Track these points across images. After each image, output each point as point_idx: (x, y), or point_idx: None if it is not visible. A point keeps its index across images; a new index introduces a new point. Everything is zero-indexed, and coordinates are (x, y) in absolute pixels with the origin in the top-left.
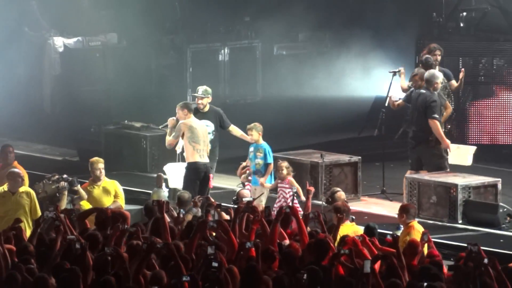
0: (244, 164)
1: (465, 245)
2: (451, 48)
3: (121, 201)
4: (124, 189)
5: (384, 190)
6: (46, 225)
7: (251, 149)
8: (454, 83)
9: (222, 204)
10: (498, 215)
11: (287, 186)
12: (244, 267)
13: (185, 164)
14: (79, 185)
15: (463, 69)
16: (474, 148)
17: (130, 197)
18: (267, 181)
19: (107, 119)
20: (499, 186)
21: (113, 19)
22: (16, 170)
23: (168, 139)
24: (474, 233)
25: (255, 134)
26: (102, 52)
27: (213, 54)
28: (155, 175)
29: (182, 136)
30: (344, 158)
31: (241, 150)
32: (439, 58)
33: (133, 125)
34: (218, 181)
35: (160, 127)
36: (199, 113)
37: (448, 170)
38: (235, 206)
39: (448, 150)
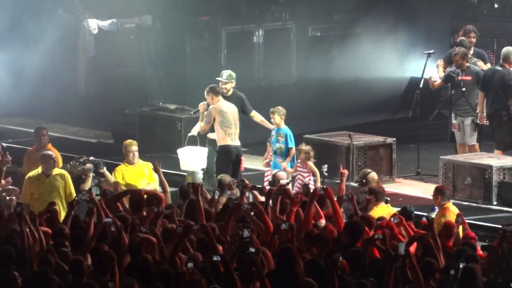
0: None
1: (500, 226)
2: (485, 29)
3: (155, 183)
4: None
5: (419, 172)
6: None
7: (273, 133)
8: (487, 66)
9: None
10: None
11: (305, 170)
12: (279, 248)
13: (196, 148)
14: (105, 168)
15: None
16: None
17: (165, 179)
18: (288, 166)
19: (142, 101)
20: None
21: (147, 1)
22: (48, 152)
23: (201, 125)
24: (509, 214)
25: (277, 118)
26: (137, 34)
27: (247, 36)
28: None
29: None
30: (379, 139)
31: (268, 132)
32: (473, 40)
33: (167, 107)
34: (248, 163)
35: (192, 113)
36: (222, 98)
37: None
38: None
39: None
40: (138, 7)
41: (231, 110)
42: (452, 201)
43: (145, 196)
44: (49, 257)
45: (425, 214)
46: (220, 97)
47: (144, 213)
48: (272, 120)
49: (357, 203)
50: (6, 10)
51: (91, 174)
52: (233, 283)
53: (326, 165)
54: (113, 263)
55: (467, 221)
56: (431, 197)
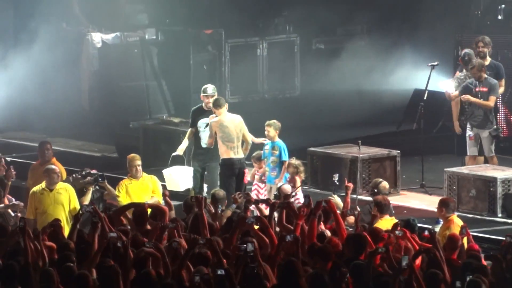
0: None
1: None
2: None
3: (159, 197)
4: (162, 185)
5: (423, 184)
6: (83, 219)
7: (267, 146)
8: (502, 81)
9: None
10: None
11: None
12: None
13: (181, 168)
14: (105, 181)
15: None
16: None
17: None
18: (284, 179)
19: (146, 115)
20: None
21: (151, 14)
22: (51, 166)
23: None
24: None
25: (272, 131)
26: (140, 47)
27: (251, 49)
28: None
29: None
30: (383, 152)
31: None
32: (483, 49)
33: (171, 120)
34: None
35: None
36: (204, 112)
37: None
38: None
39: None
40: (142, 20)
41: (232, 123)
42: (456, 213)
43: (148, 209)
44: (52, 273)
45: (429, 226)
46: (223, 110)
47: (148, 226)
48: (266, 133)
49: (362, 216)
50: (10, 24)
51: (92, 188)
52: None
53: (337, 174)
54: (118, 278)
55: (472, 233)
56: (435, 210)
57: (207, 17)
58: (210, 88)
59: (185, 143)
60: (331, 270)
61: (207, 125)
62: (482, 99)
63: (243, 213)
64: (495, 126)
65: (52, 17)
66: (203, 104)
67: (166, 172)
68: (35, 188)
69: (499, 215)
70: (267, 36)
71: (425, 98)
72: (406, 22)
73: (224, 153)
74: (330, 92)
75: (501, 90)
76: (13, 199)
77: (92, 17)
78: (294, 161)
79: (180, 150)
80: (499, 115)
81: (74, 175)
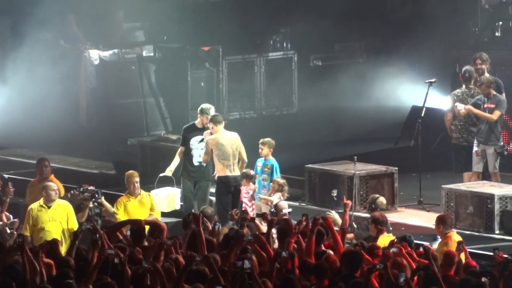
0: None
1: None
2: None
3: (157, 214)
4: None
5: (421, 201)
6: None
7: (259, 163)
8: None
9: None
10: None
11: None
12: (280, 276)
13: (168, 189)
14: (102, 198)
15: None
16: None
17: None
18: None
19: (143, 132)
20: None
21: (148, 31)
22: (49, 183)
23: (202, 155)
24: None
25: (266, 150)
26: (138, 64)
27: (248, 66)
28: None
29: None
30: (381, 169)
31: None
32: (481, 66)
33: (169, 137)
34: None
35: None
36: (198, 130)
37: None
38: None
39: None
40: (139, 37)
41: (229, 141)
42: (454, 230)
43: (146, 226)
44: None
45: (427, 243)
46: (220, 127)
47: (146, 243)
48: (260, 150)
49: (361, 232)
50: (7, 41)
51: (89, 204)
52: None
53: (335, 190)
54: None
55: (469, 250)
56: (433, 226)
57: (204, 34)
58: (213, 110)
59: (174, 163)
60: (329, 287)
61: (201, 141)
62: None
63: (240, 230)
64: (501, 143)
65: (50, 34)
66: (197, 122)
67: (153, 192)
68: (33, 205)
69: (497, 231)
70: (265, 53)
71: (422, 115)
72: (403, 39)
73: (220, 170)
74: (327, 109)
75: None
76: (11, 216)
77: (90, 34)
78: (280, 179)
79: (169, 171)
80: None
81: (72, 192)
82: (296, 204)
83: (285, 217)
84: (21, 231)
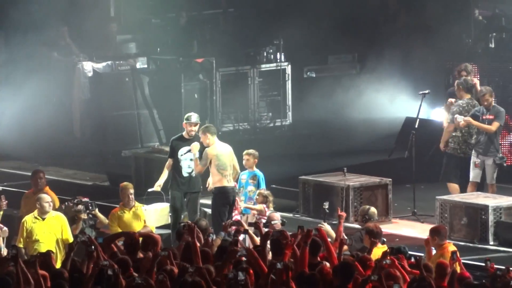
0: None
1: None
2: (481, 70)
3: (152, 226)
4: None
5: (415, 212)
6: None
7: (243, 176)
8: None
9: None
10: None
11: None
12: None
13: (158, 205)
14: (96, 209)
15: None
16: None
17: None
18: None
19: (137, 144)
20: None
21: (142, 43)
22: (43, 195)
23: (197, 166)
24: (506, 254)
25: (251, 161)
26: (131, 76)
27: (242, 77)
28: (185, 199)
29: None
30: (375, 180)
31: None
32: (465, 78)
33: (163, 149)
34: None
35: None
36: (186, 141)
37: None
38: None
39: None
40: (133, 49)
41: (226, 151)
42: (449, 241)
43: (140, 238)
44: None
45: (422, 254)
46: (215, 138)
47: (141, 255)
48: (245, 161)
49: (354, 244)
50: (1, 54)
51: (83, 216)
52: None
53: (327, 202)
54: None
55: (464, 261)
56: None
57: (198, 46)
58: (194, 117)
59: (163, 177)
60: None
61: (187, 152)
62: None
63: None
64: (500, 155)
65: (43, 46)
66: (184, 133)
67: (143, 207)
68: (27, 217)
69: (491, 242)
70: (258, 64)
71: (416, 126)
72: (397, 51)
73: (218, 181)
74: (321, 120)
75: None
76: (6, 228)
77: (83, 46)
78: (264, 191)
79: (157, 186)
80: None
81: (66, 203)
82: (290, 215)
83: (278, 227)
84: (15, 242)
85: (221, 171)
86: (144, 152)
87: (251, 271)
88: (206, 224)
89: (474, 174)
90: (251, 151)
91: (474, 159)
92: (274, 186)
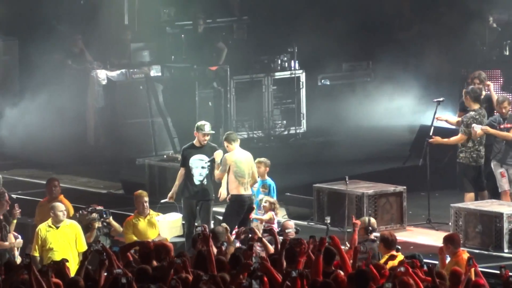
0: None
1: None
2: (495, 76)
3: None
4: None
5: (430, 220)
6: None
7: (255, 184)
8: None
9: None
10: None
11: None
12: None
13: (171, 215)
14: (111, 217)
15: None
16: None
17: None
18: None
19: (151, 152)
20: None
21: (156, 51)
22: (57, 203)
23: (217, 173)
24: None
25: (262, 169)
26: (146, 84)
27: (256, 85)
28: (198, 207)
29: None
30: (389, 188)
31: None
32: (478, 86)
33: (177, 157)
34: None
35: (205, 162)
36: (196, 149)
37: None
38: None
39: None
40: (147, 57)
41: (246, 159)
42: (463, 248)
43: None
44: None
45: (436, 262)
46: (236, 145)
47: (155, 263)
48: (257, 169)
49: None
50: (15, 62)
51: (97, 224)
52: None
53: (329, 217)
54: None
55: (479, 268)
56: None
57: (212, 54)
58: (208, 127)
59: (175, 188)
60: None
61: (210, 160)
62: None
63: (248, 250)
64: None
65: (57, 54)
66: (195, 141)
67: (156, 218)
68: (41, 226)
69: (506, 250)
70: (272, 72)
71: (431, 133)
72: (411, 58)
73: (235, 189)
74: (336, 128)
75: None
76: (19, 236)
77: (97, 54)
78: (270, 198)
79: (170, 198)
80: None
81: (80, 212)
82: (305, 223)
83: (292, 236)
84: (29, 251)
85: (238, 178)
86: (158, 160)
87: (266, 279)
88: (223, 230)
89: (503, 184)
90: (262, 159)
91: (498, 169)
92: (288, 194)
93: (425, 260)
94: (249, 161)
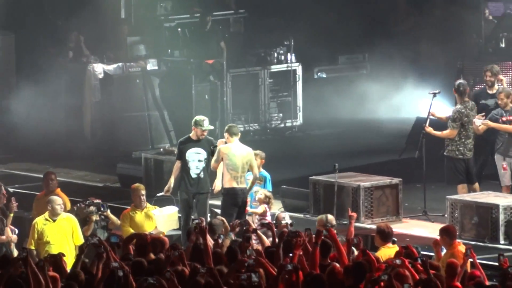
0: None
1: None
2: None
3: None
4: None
5: (426, 212)
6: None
7: (249, 177)
8: None
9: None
10: None
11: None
12: None
13: (167, 208)
14: (108, 210)
15: None
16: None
17: None
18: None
19: (148, 145)
20: None
21: (152, 44)
22: (54, 197)
23: (212, 162)
24: None
25: (258, 161)
26: (142, 78)
27: (253, 78)
28: (194, 200)
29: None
30: (385, 180)
31: None
32: (490, 79)
33: (173, 150)
34: None
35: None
36: (193, 142)
37: None
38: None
39: None
40: (143, 51)
41: (241, 154)
42: (459, 240)
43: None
44: None
45: (432, 254)
46: (235, 139)
47: (152, 256)
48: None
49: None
50: (12, 56)
51: (94, 217)
52: None
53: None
54: None
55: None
56: (438, 237)
57: (208, 47)
58: (207, 122)
59: (171, 181)
60: None
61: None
62: None
63: (244, 243)
64: None
65: (53, 48)
66: (192, 134)
67: (153, 211)
68: (38, 219)
69: (502, 242)
70: (269, 65)
71: (426, 124)
72: (407, 51)
73: (227, 182)
74: (332, 121)
75: None
76: (16, 230)
77: (94, 48)
78: (267, 192)
79: (167, 191)
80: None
81: (77, 205)
82: (301, 216)
83: (285, 228)
84: (26, 244)
85: (230, 171)
86: (155, 154)
87: (262, 273)
88: (220, 222)
89: (504, 179)
90: (257, 151)
91: (500, 162)
92: (284, 186)
93: (422, 252)
94: (245, 155)
